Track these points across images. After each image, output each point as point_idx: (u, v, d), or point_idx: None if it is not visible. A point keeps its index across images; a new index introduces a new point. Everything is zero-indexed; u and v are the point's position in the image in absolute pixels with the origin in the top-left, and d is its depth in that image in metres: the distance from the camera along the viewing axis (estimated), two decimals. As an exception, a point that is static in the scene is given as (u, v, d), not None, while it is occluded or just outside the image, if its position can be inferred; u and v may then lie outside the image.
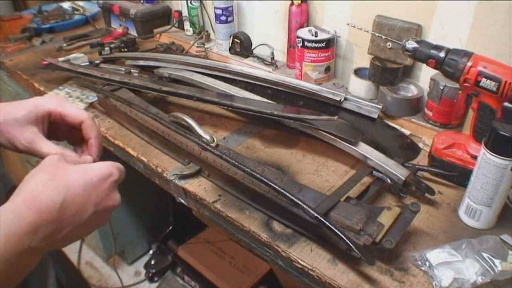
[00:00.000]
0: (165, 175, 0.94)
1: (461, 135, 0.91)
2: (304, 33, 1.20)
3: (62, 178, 0.45)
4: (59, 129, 0.60)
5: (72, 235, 0.46)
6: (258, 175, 0.77)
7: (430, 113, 1.02)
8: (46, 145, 0.55)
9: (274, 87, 1.14)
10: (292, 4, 1.24)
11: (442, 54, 0.82)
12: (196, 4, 1.51)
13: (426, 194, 0.83)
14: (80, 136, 0.59)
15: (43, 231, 0.42)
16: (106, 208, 0.48)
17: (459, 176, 0.86)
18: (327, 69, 1.23)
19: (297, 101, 1.11)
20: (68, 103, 0.59)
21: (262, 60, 1.36)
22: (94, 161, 0.58)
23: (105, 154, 1.19)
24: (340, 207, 0.74)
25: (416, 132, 1.04)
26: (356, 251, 0.64)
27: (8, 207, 0.42)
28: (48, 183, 0.44)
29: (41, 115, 0.56)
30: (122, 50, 1.50)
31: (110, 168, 0.50)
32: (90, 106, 1.20)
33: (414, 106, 1.07)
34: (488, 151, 0.70)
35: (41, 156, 0.54)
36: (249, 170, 0.78)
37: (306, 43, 1.18)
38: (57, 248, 0.48)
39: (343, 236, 0.65)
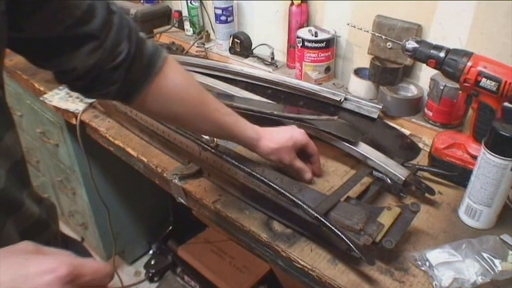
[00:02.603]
0: (165, 175, 0.94)
1: (461, 135, 0.91)
2: (304, 33, 1.20)
3: (3, 262, 0.38)
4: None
5: None
6: (258, 175, 0.77)
7: (430, 113, 1.02)
8: (300, 163, 0.86)
9: (274, 87, 1.14)
10: (292, 4, 1.24)
11: (442, 54, 0.82)
12: (196, 4, 1.51)
13: (426, 194, 0.83)
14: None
15: None
16: None
17: (459, 176, 0.86)
18: (327, 69, 1.23)
19: (297, 101, 1.11)
20: (310, 141, 0.88)
21: (262, 60, 1.36)
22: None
23: (106, 154, 1.19)
24: (340, 207, 0.74)
25: (416, 132, 1.04)
26: (356, 251, 0.64)
27: None
28: None
29: (299, 146, 0.86)
30: (122, 50, 1.50)
31: (57, 263, 0.39)
32: (90, 106, 1.20)
33: (414, 106, 1.07)
34: (488, 151, 0.70)
35: (298, 169, 0.86)
36: (249, 170, 0.78)
37: (306, 43, 1.18)
38: None
39: (343, 236, 0.65)
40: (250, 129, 0.81)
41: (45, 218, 0.65)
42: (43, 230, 0.65)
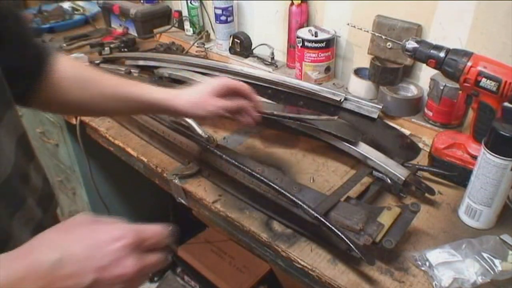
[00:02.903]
0: (165, 175, 0.94)
1: (461, 135, 0.91)
2: (304, 33, 1.20)
3: (68, 235, 0.42)
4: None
5: None
6: (258, 175, 0.77)
7: (430, 113, 1.02)
8: (229, 103, 0.77)
9: (274, 87, 1.14)
10: (292, 4, 1.24)
11: (442, 54, 0.82)
12: (196, 4, 1.51)
13: (426, 194, 0.83)
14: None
15: (30, 285, 0.39)
16: (114, 277, 0.41)
17: (459, 176, 0.86)
18: (327, 69, 1.23)
19: (297, 101, 1.11)
20: (237, 81, 0.81)
21: (262, 60, 1.36)
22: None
23: (106, 154, 1.19)
24: (340, 207, 0.74)
25: (416, 132, 1.04)
26: (356, 251, 0.64)
27: (8, 253, 0.41)
28: (51, 239, 0.42)
29: (222, 91, 0.78)
30: (122, 50, 1.50)
31: (122, 230, 0.43)
32: (90, 106, 1.20)
33: (414, 106, 1.07)
34: (488, 151, 0.70)
35: (231, 109, 0.77)
36: (249, 170, 0.78)
37: (306, 43, 1.18)
38: None
39: (343, 236, 0.65)
40: (162, 91, 0.77)
41: (48, 192, 0.68)
42: (48, 204, 0.68)
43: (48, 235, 0.43)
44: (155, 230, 0.46)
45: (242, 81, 1.17)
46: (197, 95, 0.77)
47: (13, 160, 0.56)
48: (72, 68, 0.71)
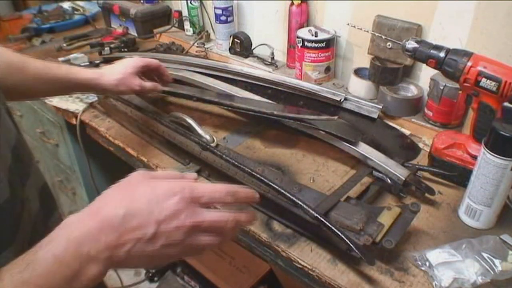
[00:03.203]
0: (165, 175, 0.93)
1: (461, 135, 0.91)
2: (304, 33, 1.20)
3: (129, 193, 0.46)
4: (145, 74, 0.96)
5: (137, 253, 0.43)
6: (258, 175, 0.77)
7: (430, 113, 1.02)
8: (147, 83, 0.93)
9: (274, 87, 1.14)
10: (292, 4, 1.24)
11: (442, 54, 0.82)
12: (196, 4, 1.51)
13: (426, 194, 0.83)
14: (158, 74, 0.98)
15: (104, 240, 0.42)
16: (172, 229, 0.44)
17: (459, 176, 0.86)
18: (327, 69, 1.23)
19: (297, 101, 1.11)
20: (148, 58, 0.96)
21: (262, 60, 1.36)
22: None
23: (106, 154, 1.19)
24: (340, 207, 0.74)
25: (416, 132, 1.04)
26: (356, 251, 0.64)
27: (74, 215, 0.44)
28: (114, 197, 0.46)
29: (139, 69, 0.92)
30: (122, 50, 1.50)
31: (178, 186, 0.46)
32: (90, 106, 1.20)
33: (414, 106, 1.07)
34: (488, 151, 0.70)
35: (146, 90, 0.93)
36: (249, 170, 0.78)
37: (306, 43, 1.18)
38: (124, 267, 0.46)
39: (343, 236, 0.65)
40: (88, 72, 0.87)
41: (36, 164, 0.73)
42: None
43: (111, 194, 0.46)
44: (211, 188, 0.48)
45: (241, 81, 1.18)
46: (120, 74, 0.88)
47: (14, 131, 0.61)
48: (1, 55, 0.74)
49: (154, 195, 0.45)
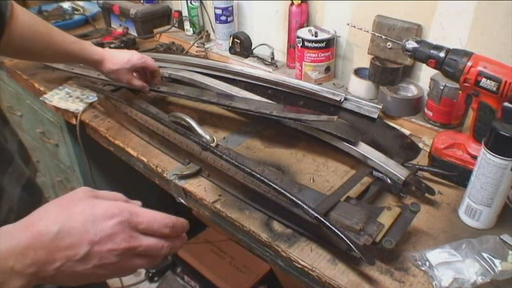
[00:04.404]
0: (165, 175, 0.94)
1: (461, 135, 0.91)
2: (304, 33, 1.20)
3: (67, 209, 0.45)
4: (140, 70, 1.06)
5: (67, 271, 0.43)
6: (258, 175, 0.77)
7: (430, 113, 1.02)
8: (136, 81, 1.04)
9: (274, 87, 1.14)
10: (292, 4, 1.24)
11: (442, 54, 0.82)
12: (196, 4, 1.51)
13: (426, 194, 0.83)
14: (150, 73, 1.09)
15: (32, 256, 0.41)
16: (106, 250, 0.44)
17: (459, 176, 0.86)
18: (327, 69, 1.23)
19: (297, 101, 1.11)
20: (147, 57, 1.06)
21: (262, 60, 1.36)
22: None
23: (106, 154, 1.19)
24: (340, 207, 0.74)
25: (416, 132, 1.04)
26: (356, 251, 0.64)
27: (6, 228, 0.43)
28: (51, 212, 0.45)
29: (136, 68, 1.03)
30: (122, 50, 1.50)
31: (118, 209, 0.46)
32: (90, 106, 1.20)
33: (414, 106, 1.07)
34: (488, 151, 0.70)
35: (135, 87, 1.06)
36: (249, 170, 0.78)
37: (306, 43, 1.18)
38: (51, 283, 0.44)
39: (343, 236, 0.65)
40: (95, 53, 0.99)
41: (26, 155, 0.81)
42: (27, 163, 0.79)
43: (49, 209, 0.45)
44: (150, 217, 0.48)
45: (241, 81, 1.18)
46: (118, 66, 1.00)
47: None
48: (31, 20, 0.86)
49: (92, 215, 0.44)
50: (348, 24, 1.11)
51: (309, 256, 0.73)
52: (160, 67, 1.28)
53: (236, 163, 0.80)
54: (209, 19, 1.54)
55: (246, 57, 1.39)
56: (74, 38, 0.96)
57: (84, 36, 1.65)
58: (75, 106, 1.21)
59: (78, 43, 0.96)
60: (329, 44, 1.18)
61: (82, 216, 0.44)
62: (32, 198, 0.73)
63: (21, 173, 0.73)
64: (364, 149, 0.90)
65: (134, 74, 1.05)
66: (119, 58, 1.00)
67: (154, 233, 0.48)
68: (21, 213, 0.46)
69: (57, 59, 1.13)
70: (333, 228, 0.67)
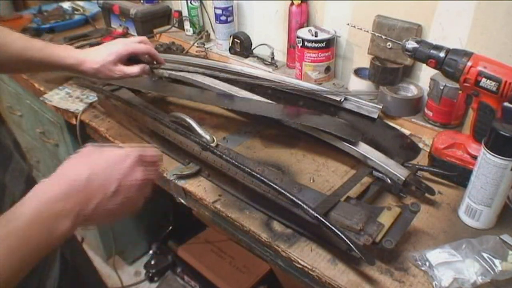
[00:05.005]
0: (165, 175, 0.94)
1: (461, 135, 0.91)
2: (304, 33, 1.20)
3: (89, 158, 0.54)
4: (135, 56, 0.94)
5: (103, 207, 0.52)
6: (258, 175, 0.76)
7: (430, 113, 1.02)
8: (129, 69, 0.92)
9: (274, 87, 1.14)
10: (292, 4, 1.24)
11: (442, 54, 0.82)
12: (196, 4, 1.51)
13: (426, 194, 0.83)
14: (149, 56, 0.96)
15: (73, 200, 0.49)
16: (131, 183, 0.54)
17: (459, 176, 0.86)
18: (327, 69, 1.23)
19: (297, 101, 1.11)
20: (134, 40, 0.95)
21: (262, 60, 1.36)
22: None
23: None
24: (340, 207, 0.74)
25: (416, 132, 1.04)
26: (356, 251, 0.64)
27: (43, 181, 0.50)
28: (75, 164, 0.53)
29: (122, 57, 0.91)
30: (122, 50, 1.50)
31: (126, 152, 0.56)
32: (90, 106, 1.20)
33: (414, 106, 1.07)
34: (488, 151, 0.70)
35: (131, 76, 0.92)
36: (249, 170, 0.78)
37: (306, 43, 1.18)
38: (90, 224, 0.52)
39: (343, 236, 0.65)
40: (70, 57, 0.88)
41: (22, 153, 0.82)
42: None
43: (71, 162, 0.53)
44: (151, 151, 0.60)
45: (241, 81, 1.18)
46: (100, 62, 0.88)
47: None
48: None
49: (111, 159, 0.54)
50: (348, 24, 1.11)
51: (309, 256, 0.73)
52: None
53: (236, 163, 0.80)
54: (209, 19, 1.54)
55: (246, 57, 1.39)
56: (42, 45, 0.86)
57: (84, 36, 1.65)
58: (75, 106, 1.21)
59: (47, 49, 0.86)
60: (329, 44, 1.19)
61: (103, 161, 0.53)
62: None
63: (22, 169, 0.74)
64: (364, 149, 0.90)
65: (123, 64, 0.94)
66: (99, 54, 0.90)
67: (155, 164, 0.60)
68: None
69: (21, 69, 1.00)
70: (333, 228, 0.67)
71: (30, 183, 0.75)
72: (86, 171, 0.51)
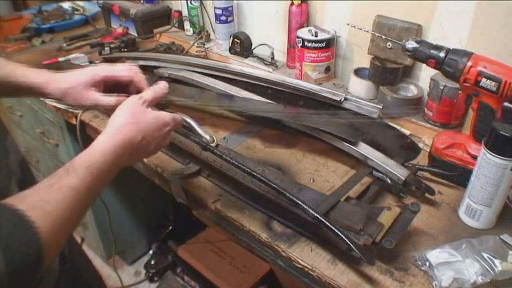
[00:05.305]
0: (165, 175, 0.94)
1: (461, 135, 0.91)
2: (304, 33, 1.20)
3: (141, 121, 0.65)
4: (118, 86, 0.75)
5: (142, 156, 0.69)
6: (258, 175, 0.77)
7: (430, 113, 1.02)
8: (105, 99, 0.72)
9: (274, 87, 1.14)
10: (292, 4, 1.24)
11: (442, 54, 0.82)
12: (196, 4, 1.51)
13: (426, 194, 0.83)
14: (136, 88, 0.75)
15: (128, 152, 0.63)
16: (160, 146, 0.69)
17: (459, 176, 0.86)
18: (327, 69, 1.23)
19: (297, 101, 1.11)
20: (119, 66, 0.76)
21: (262, 60, 1.36)
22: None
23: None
24: (340, 207, 0.74)
25: (416, 132, 1.04)
26: (356, 251, 0.64)
27: (104, 132, 0.62)
28: (132, 125, 0.63)
29: (98, 81, 0.72)
30: (122, 50, 1.50)
31: (170, 119, 0.69)
32: (90, 106, 1.20)
33: (414, 106, 1.07)
34: (488, 151, 0.70)
35: (104, 107, 0.74)
36: (249, 170, 0.78)
37: (306, 43, 1.18)
38: (132, 163, 0.71)
39: (343, 236, 0.65)
40: (37, 76, 0.73)
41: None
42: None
43: (124, 119, 0.64)
44: (179, 118, 0.74)
45: (241, 81, 1.18)
46: (68, 84, 0.72)
47: None
48: None
49: (157, 125, 0.67)
50: (348, 24, 1.11)
51: (309, 256, 0.73)
52: (160, 67, 1.28)
53: (236, 163, 0.80)
54: (209, 19, 1.54)
55: (246, 57, 1.39)
56: (6, 62, 0.74)
57: (84, 36, 1.65)
58: (75, 106, 1.21)
59: (10, 66, 0.73)
60: (329, 44, 1.18)
61: (153, 126, 0.66)
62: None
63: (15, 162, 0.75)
64: (364, 149, 0.90)
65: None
66: (71, 73, 0.73)
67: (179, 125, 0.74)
68: None
69: None
70: (333, 228, 0.67)
71: (23, 169, 0.76)
72: (139, 135, 0.63)
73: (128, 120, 0.64)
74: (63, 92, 0.72)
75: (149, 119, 0.66)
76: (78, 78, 0.72)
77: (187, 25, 1.57)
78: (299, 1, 1.22)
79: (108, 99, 0.72)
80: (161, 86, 0.72)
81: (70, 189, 0.54)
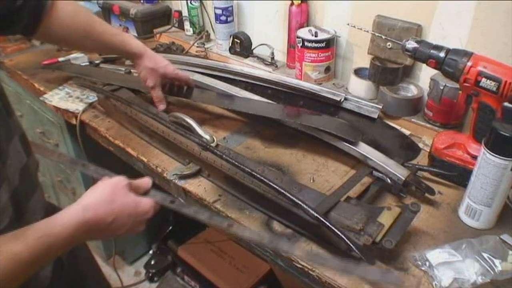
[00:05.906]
0: (165, 175, 0.94)
1: (461, 135, 0.91)
2: (304, 33, 1.20)
3: (118, 202, 0.64)
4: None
5: (106, 236, 0.66)
6: (258, 175, 0.77)
7: (430, 113, 1.02)
8: (157, 92, 1.05)
9: (274, 87, 1.14)
10: (292, 4, 1.24)
11: (442, 54, 0.82)
12: (196, 4, 1.51)
13: (426, 194, 0.83)
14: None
15: (95, 233, 0.62)
16: (133, 231, 0.67)
17: (459, 176, 0.86)
18: (327, 69, 1.23)
19: (297, 101, 1.11)
20: (173, 69, 1.06)
21: (262, 60, 1.36)
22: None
23: (106, 154, 1.19)
24: (340, 207, 0.74)
25: (416, 132, 1.04)
26: (356, 251, 0.64)
27: (70, 208, 0.61)
28: (107, 204, 0.63)
29: (166, 76, 1.05)
30: (122, 50, 1.50)
31: (150, 208, 0.68)
32: (90, 106, 1.20)
33: (414, 106, 1.07)
34: (488, 151, 0.70)
35: (153, 94, 1.06)
36: (249, 170, 0.78)
37: (306, 43, 1.18)
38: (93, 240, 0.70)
39: (343, 236, 0.65)
40: (135, 47, 1.00)
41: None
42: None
43: (103, 197, 0.63)
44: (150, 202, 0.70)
45: (241, 81, 1.18)
46: (152, 66, 1.01)
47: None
48: (72, 10, 0.90)
49: (134, 212, 0.66)
50: (348, 24, 1.11)
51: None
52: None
53: (236, 163, 0.80)
54: (209, 19, 1.54)
55: (246, 57, 1.39)
56: (115, 31, 0.99)
57: (84, 36, 1.65)
58: (75, 106, 1.21)
59: (119, 35, 0.98)
60: (329, 44, 1.19)
61: (128, 212, 0.64)
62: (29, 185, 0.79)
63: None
64: (364, 149, 0.90)
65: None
66: (157, 59, 1.02)
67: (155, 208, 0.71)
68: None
69: (96, 50, 1.17)
70: (333, 228, 0.67)
71: (24, 176, 0.76)
72: (112, 216, 0.62)
73: (104, 197, 0.63)
74: (148, 68, 1.01)
75: (128, 202, 0.65)
76: (161, 67, 1.02)
77: (187, 25, 1.57)
78: (299, 1, 1.22)
79: (158, 93, 1.05)
80: (146, 181, 0.74)
81: (12, 256, 0.51)
